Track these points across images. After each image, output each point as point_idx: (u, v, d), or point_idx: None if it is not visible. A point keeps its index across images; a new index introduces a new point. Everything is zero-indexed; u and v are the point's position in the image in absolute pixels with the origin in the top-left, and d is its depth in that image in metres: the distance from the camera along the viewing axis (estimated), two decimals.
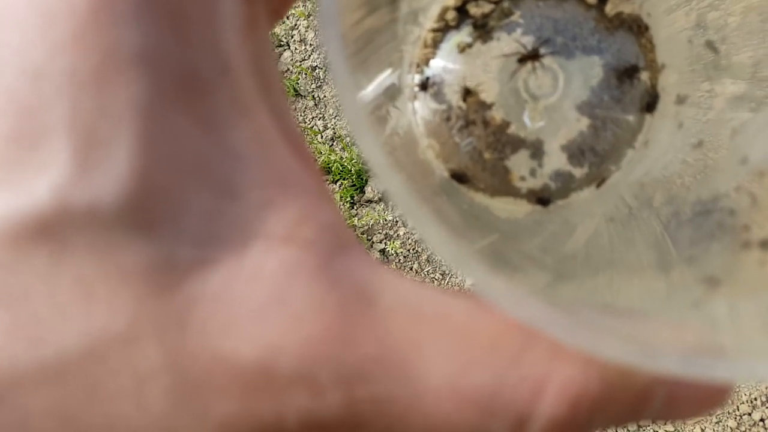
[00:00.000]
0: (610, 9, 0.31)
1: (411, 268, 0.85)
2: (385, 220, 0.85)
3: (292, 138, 0.12)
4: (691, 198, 0.24)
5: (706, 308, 0.16)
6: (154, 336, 0.10)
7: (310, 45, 0.90)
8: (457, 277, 0.83)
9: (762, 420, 0.76)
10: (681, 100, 0.30)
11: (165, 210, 0.10)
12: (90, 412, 0.10)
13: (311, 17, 0.91)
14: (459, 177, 0.32)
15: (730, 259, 0.19)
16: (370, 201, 0.87)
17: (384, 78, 0.31)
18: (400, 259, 0.85)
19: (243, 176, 0.11)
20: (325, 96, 0.90)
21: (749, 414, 0.76)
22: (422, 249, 0.85)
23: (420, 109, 0.33)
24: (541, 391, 0.11)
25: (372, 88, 0.29)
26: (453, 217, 0.29)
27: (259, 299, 0.10)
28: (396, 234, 0.85)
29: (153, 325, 0.10)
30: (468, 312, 0.11)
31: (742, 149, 0.24)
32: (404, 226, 0.85)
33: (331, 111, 0.89)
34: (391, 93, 0.32)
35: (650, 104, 0.31)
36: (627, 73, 0.31)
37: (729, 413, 0.76)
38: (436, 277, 0.84)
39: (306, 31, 0.90)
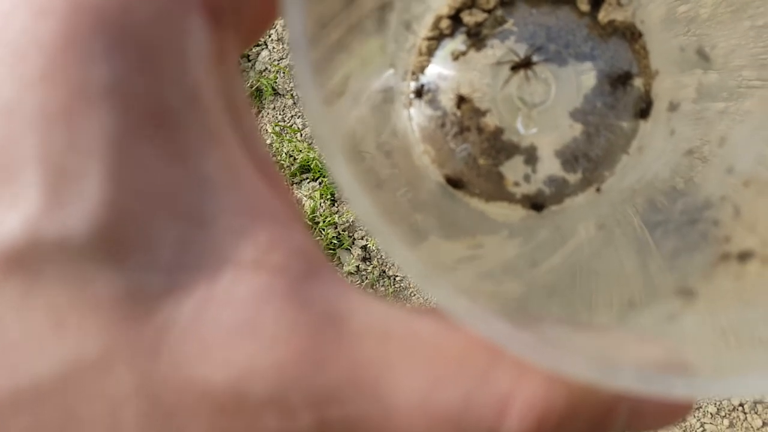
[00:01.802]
0: (602, 17, 0.31)
1: (394, 264, 0.84)
2: None
3: (262, 164, 0.12)
4: (679, 206, 0.25)
5: (680, 322, 0.16)
6: (126, 362, 0.10)
7: (288, 44, 0.89)
8: None
9: (741, 405, 0.76)
10: (673, 107, 0.30)
11: (135, 240, 0.10)
12: None
13: None
14: (454, 182, 0.33)
15: (709, 271, 0.19)
16: None
17: (386, 77, 0.31)
18: (381, 255, 0.84)
19: (213, 204, 0.11)
20: None
21: (729, 399, 0.76)
22: None
23: (415, 116, 0.33)
24: (507, 408, 0.11)
25: (374, 87, 0.30)
26: (440, 225, 0.29)
27: (231, 324, 0.10)
28: None
29: (125, 351, 0.10)
30: (435, 330, 0.11)
31: (729, 158, 0.24)
32: None
33: None
34: (390, 95, 0.32)
35: (644, 110, 0.32)
36: (620, 80, 0.31)
37: (709, 398, 0.76)
38: None
39: (284, 30, 0.88)
